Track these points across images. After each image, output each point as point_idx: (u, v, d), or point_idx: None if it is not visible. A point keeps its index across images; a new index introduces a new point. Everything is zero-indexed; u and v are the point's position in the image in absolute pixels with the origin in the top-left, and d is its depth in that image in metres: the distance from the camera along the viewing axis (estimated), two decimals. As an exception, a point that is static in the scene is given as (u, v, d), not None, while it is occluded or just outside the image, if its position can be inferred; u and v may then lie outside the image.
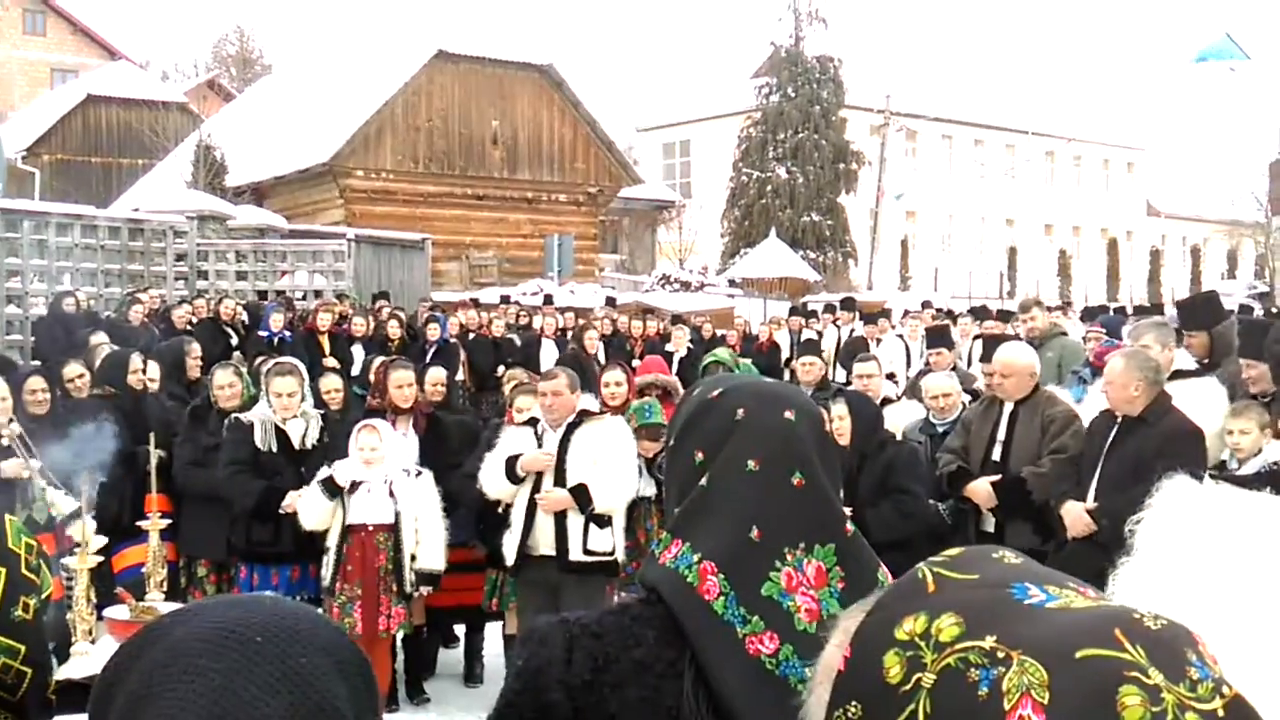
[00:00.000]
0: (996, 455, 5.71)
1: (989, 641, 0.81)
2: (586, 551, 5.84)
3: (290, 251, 18.52)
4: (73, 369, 7.47)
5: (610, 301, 19.28)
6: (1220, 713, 0.76)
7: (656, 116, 44.38)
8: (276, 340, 12.56)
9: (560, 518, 5.86)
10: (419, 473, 6.31)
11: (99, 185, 33.08)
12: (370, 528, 6.11)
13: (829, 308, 17.36)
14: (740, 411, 1.57)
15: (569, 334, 15.42)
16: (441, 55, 26.69)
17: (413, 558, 6.17)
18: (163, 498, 6.54)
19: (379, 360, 8.10)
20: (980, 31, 53.72)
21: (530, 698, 1.46)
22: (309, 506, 6.08)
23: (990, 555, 0.91)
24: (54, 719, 1.58)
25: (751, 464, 1.54)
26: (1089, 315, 14.50)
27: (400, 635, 6.36)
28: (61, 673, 1.58)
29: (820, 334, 15.81)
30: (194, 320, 13.06)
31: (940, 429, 6.27)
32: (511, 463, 5.89)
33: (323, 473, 6.09)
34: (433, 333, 13.43)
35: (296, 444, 6.51)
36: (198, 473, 6.66)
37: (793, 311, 17.80)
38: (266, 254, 18.25)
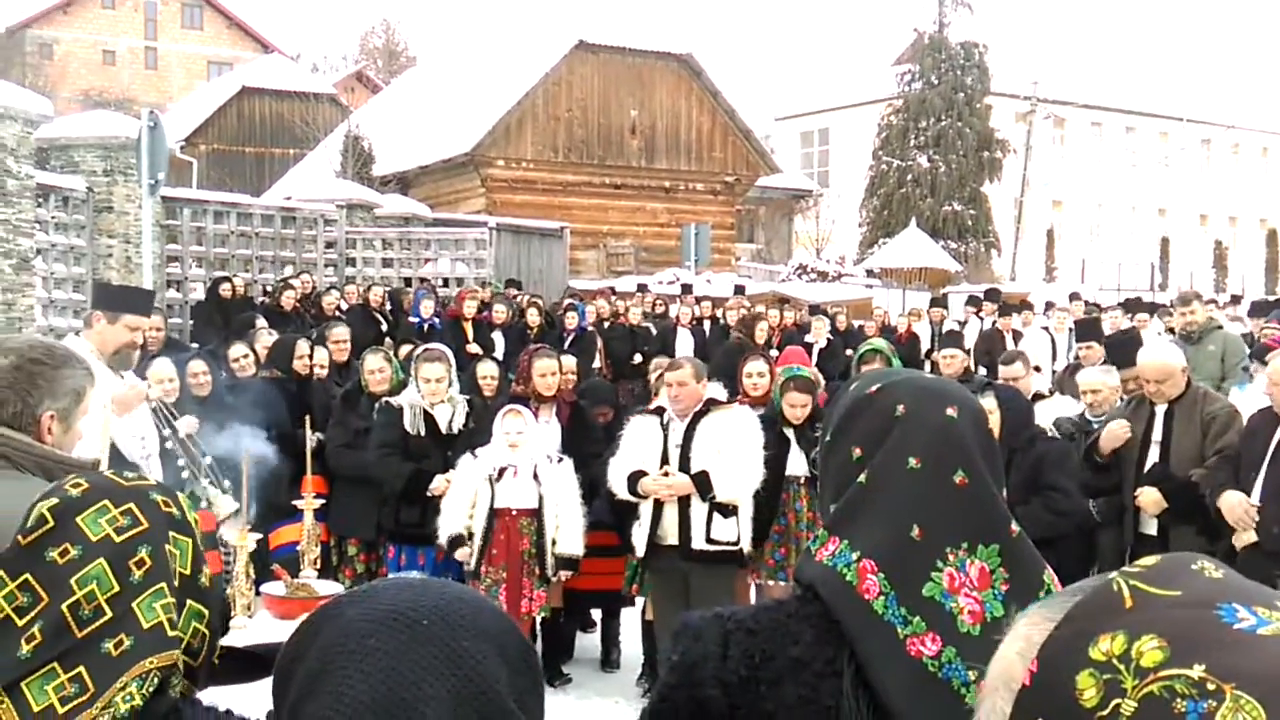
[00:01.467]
0: (1155, 456, 5.51)
1: (1198, 671, 0.74)
2: (709, 540, 5.83)
3: (434, 239, 18.92)
4: (238, 349, 7.80)
5: (740, 290, 19.15)
6: None
7: (795, 105, 43.97)
8: (426, 327, 12.86)
9: (685, 507, 5.87)
10: (560, 459, 6.40)
11: (253, 174, 34.34)
12: (515, 512, 6.22)
13: (971, 299, 16.97)
14: (900, 408, 1.55)
15: (704, 322, 15.42)
16: (582, 45, 26.91)
17: (553, 542, 6.26)
18: (319, 479, 6.79)
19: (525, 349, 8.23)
20: (1132, 14, 51.80)
21: (686, 693, 1.45)
22: (448, 511, 6.21)
23: (1190, 567, 0.84)
24: (209, 687, 1.67)
25: (913, 461, 1.51)
26: (1259, 310, 13.86)
27: (540, 618, 6.46)
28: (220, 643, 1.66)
29: (962, 325, 15.49)
30: (342, 306, 13.46)
31: (1095, 425, 6.08)
32: (634, 479, 5.93)
33: (444, 532, 6.21)
34: (571, 321, 13.57)
35: (444, 428, 6.66)
36: (349, 455, 6.86)
37: (933, 303, 17.45)
38: (411, 242, 18.68)
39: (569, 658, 7.17)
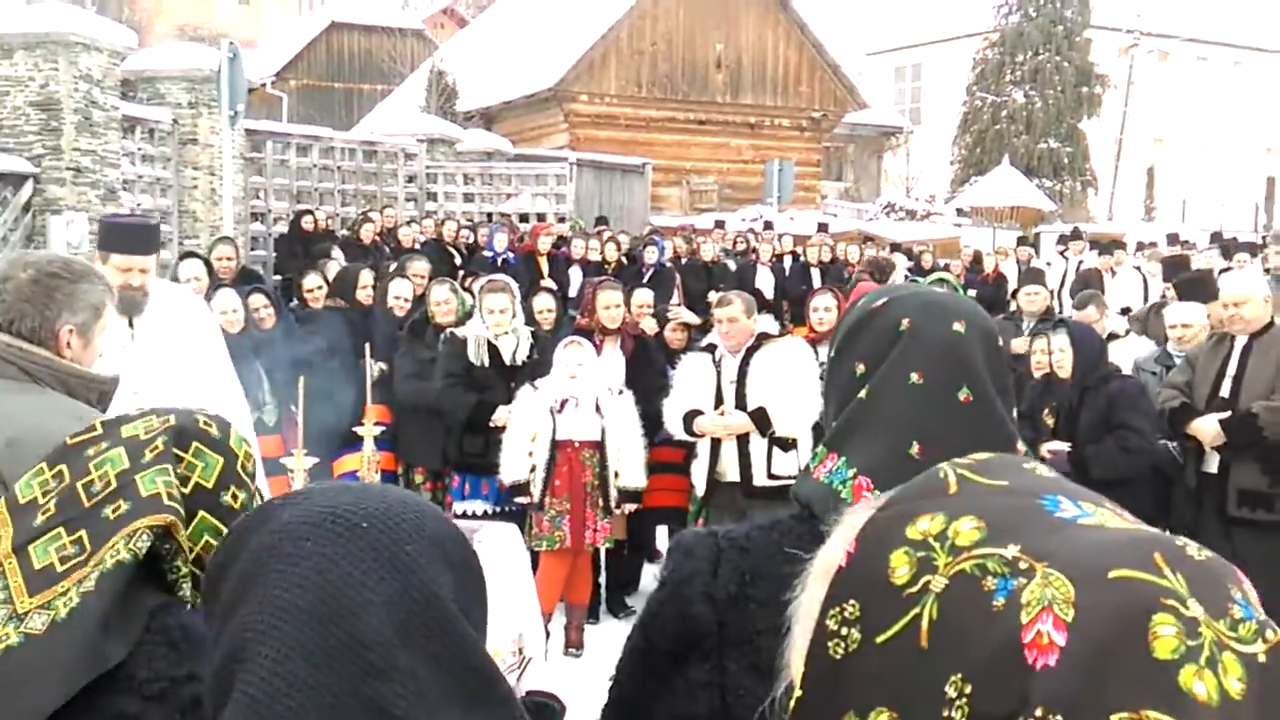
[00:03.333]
0: (1225, 391, 5.31)
1: (1012, 550, 0.74)
2: (771, 476, 5.79)
3: (514, 175, 18.91)
4: (311, 280, 7.88)
5: (823, 228, 18.89)
6: (1262, 657, 0.68)
7: (887, 40, 42.96)
8: (500, 261, 12.89)
9: (744, 443, 5.82)
10: (620, 391, 6.37)
11: (341, 110, 34.62)
12: (577, 444, 6.22)
13: (1060, 239, 16.54)
14: (905, 322, 1.47)
15: (784, 260, 15.23)
16: (667, -23, 26.57)
17: (615, 474, 6.26)
18: (383, 408, 6.84)
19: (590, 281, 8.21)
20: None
21: (674, 608, 1.43)
22: (509, 447, 6.19)
23: (1021, 465, 0.84)
24: None
25: (915, 377, 1.44)
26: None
27: (604, 549, 6.47)
28: None
29: (1049, 264, 15.10)
30: (420, 240, 13.53)
31: (1179, 361, 5.85)
32: (690, 418, 5.87)
33: (506, 472, 6.19)
34: (649, 257, 13.49)
35: (507, 359, 6.65)
36: (415, 385, 6.90)
37: (1020, 241, 17.03)
38: (492, 177, 18.69)
39: (634, 589, 7.18)
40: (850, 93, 29.44)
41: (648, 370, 6.91)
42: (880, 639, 0.77)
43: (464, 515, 6.34)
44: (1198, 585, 0.70)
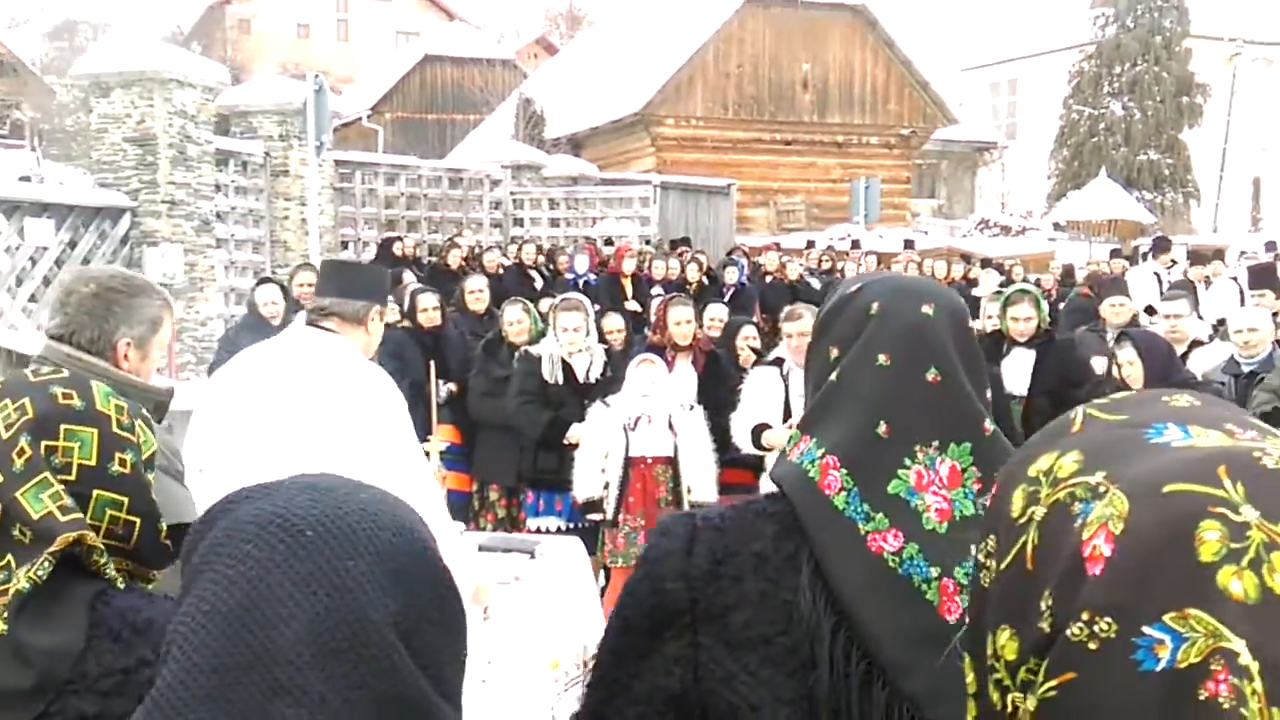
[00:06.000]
0: (1314, 398, 5.15)
1: (1097, 477, 0.80)
2: None
3: (599, 199, 19.07)
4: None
5: (909, 245, 18.71)
6: None
7: (982, 55, 42.43)
8: (582, 283, 13.00)
9: None
10: (692, 406, 6.38)
11: (435, 140, 35.27)
12: (650, 460, 6.23)
13: (1147, 252, 16.16)
14: (875, 305, 1.51)
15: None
16: (753, 0, 26.58)
17: (688, 490, 6.25)
18: (451, 428, 6.93)
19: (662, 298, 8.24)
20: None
21: (649, 585, 1.46)
22: (581, 464, 6.22)
23: (1160, 398, 0.87)
24: (175, 561, 1.70)
25: (883, 358, 1.47)
26: None
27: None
28: (169, 519, 1.69)
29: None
30: (505, 264, 13.71)
31: (1247, 369, 5.69)
32: (758, 432, 5.85)
33: (579, 490, 6.19)
34: (730, 276, 13.50)
35: (581, 377, 6.70)
36: (489, 403, 6.99)
37: (1113, 254, 16.66)
38: (577, 201, 18.89)
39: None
40: (940, 109, 29.14)
41: (720, 386, 6.90)
42: (1004, 566, 0.85)
43: (538, 531, 6.39)
44: (1258, 492, 0.74)
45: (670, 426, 6.24)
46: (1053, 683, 0.76)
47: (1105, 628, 0.74)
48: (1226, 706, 0.70)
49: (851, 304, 1.54)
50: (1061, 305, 13.96)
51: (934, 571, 1.38)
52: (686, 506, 6.22)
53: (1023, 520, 0.83)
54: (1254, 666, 0.70)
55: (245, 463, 3.02)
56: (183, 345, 11.62)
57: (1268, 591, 0.71)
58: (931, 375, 1.46)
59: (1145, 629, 0.73)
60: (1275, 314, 7.37)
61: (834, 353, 1.52)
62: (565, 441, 6.51)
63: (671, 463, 6.24)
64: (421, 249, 15.94)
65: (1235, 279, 13.23)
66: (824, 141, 27.74)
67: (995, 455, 1.44)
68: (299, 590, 0.94)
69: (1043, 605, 0.79)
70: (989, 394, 1.47)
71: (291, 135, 14.23)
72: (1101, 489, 0.79)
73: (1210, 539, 0.72)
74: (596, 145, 27.66)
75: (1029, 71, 40.35)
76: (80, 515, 1.52)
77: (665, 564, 1.44)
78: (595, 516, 6.26)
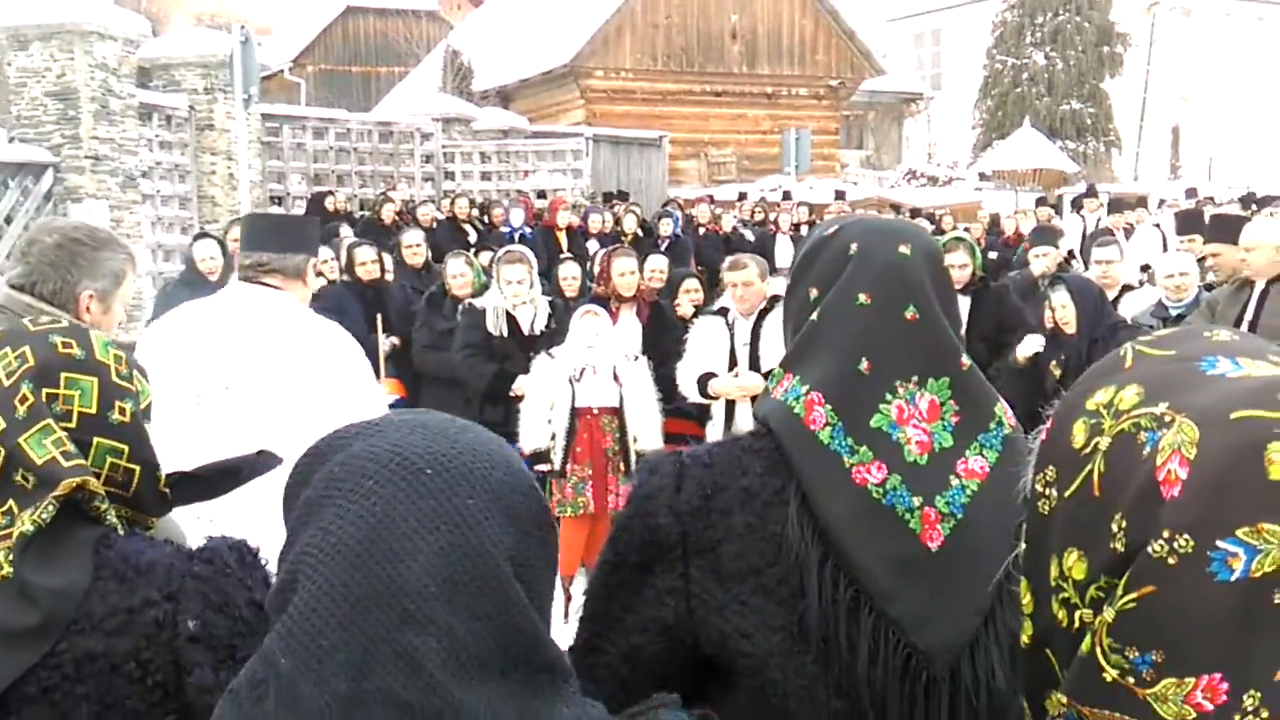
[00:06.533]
0: (1241, 334, 5.34)
1: (1161, 408, 0.86)
2: None
3: (531, 151, 18.96)
4: (324, 252, 7.94)
5: (840, 195, 18.87)
6: None
7: (906, 6, 42.61)
8: (518, 236, 12.95)
9: None
10: (636, 357, 6.43)
11: (359, 94, 34.67)
12: (596, 410, 6.26)
13: (1075, 200, 16.47)
14: (854, 246, 1.55)
15: (802, 229, 15.22)
16: (680, -51, 26.44)
17: (634, 439, 6.31)
18: (396, 381, 6.92)
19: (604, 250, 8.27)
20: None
21: (640, 522, 1.50)
22: (528, 416, 6.25)
23: (1201, 334, 0.94)
24: (173, 509, 1.71)
25: (863, 297, 1.52)
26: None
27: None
28: (168, 467, 1.71)
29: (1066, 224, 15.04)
30: (439, 218, 13.61)
31: (1175, 312, 5.88)
32: (704, 381, 5.91)
33: (525, 441, 6.17)
34: (665, 229, 13.53)
35: (526, 329, 6.72)
36: (434, 355, 6.99)
37: (1039, 202, 16.94)
38: (509, 154, 18.76)
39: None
40: (867, 59, 29.25)
41: (664, 336, 6.95)
42: (1068, 493, 0.90)
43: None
44: None
45: (615, 377, 6.28)
46: (1133, 595, 0.82)
47: (1184, 544, 0.80)
48: None
49: (830, 245, 1.58)
50: (991, 255, 14.21)
51: (916, 501, 1.43)
52: (633, 456, 6.29)
53: (1087, 450, 0.89)
54: None
55: (216, 427, 2.97)
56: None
57: None
58: (910, 313, 1.51)
59: (1220, 543, 0.78)
60: (1201, 259, 7.60)
61: (814, 293, 1.56)
62: (511, 393, 6.53)
63: (617, 413, 6.28)
64: (353, 204, 15.76)
65: (1158, 225, 13.54)
66: (753, 93, 27.74)
67: (972, 389, 1.50)
68: (423, 526, 0.97)
69: (1114, 527, 0.85)
70: (962, 331, 1.54)
71: (216, 88, 13.94)
72: (1167, 418, 0.84)
73: (1279, 459, 0.78)
74: (526, 98, 27.40)
75: (952, 22, 40.59)
76: (83, 461, 1.53)
77: (655, 500, 1.49)
78: (543, 467, 6.30)
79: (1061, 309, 5.53)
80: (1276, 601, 0.77)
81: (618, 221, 13.91)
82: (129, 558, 1.51)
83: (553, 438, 6.25)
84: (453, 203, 14.39)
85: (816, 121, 27.14)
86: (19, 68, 11.64)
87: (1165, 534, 0.81)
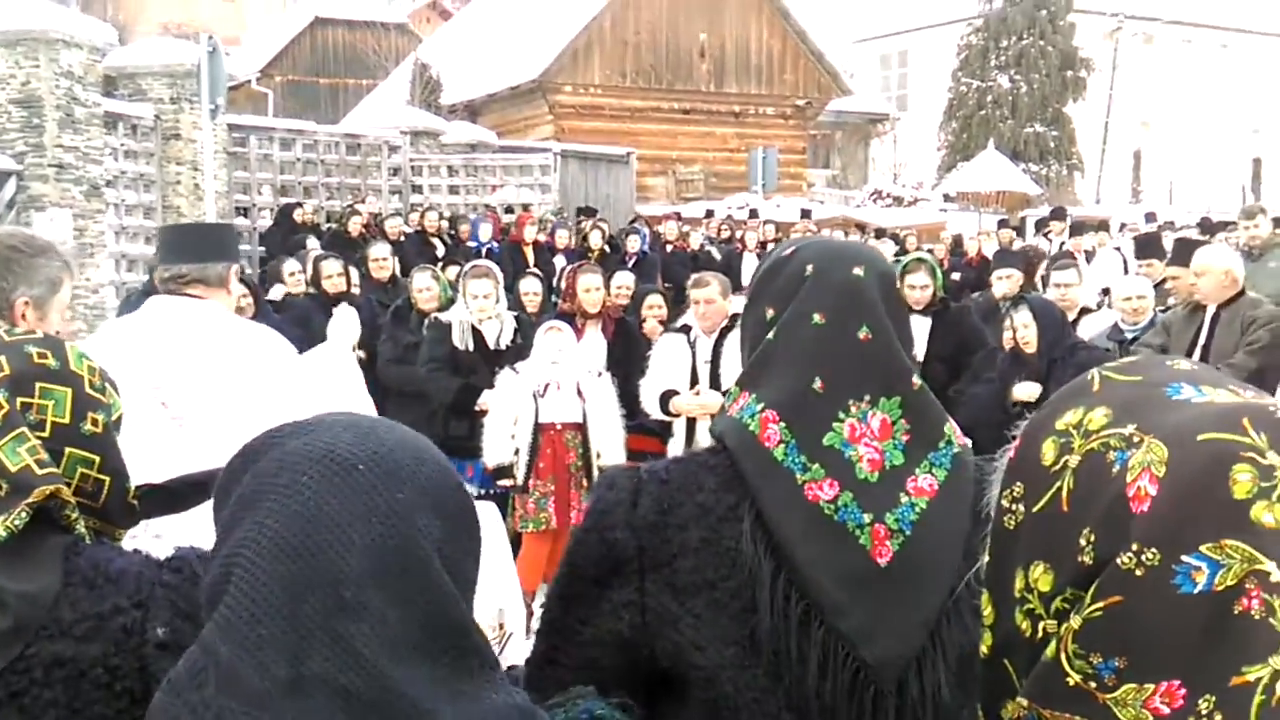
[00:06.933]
0: (1195, 357, 5.45)
1: (1130, 429, 0.91)
2: None
3: (499, 166, 18.97)
4: (290, 265, 7.94)
5: (805, 214, 19.02)
6: None
7: (874, 27, 42.99)
8: (484, 251, 12.96)
9: None
10: (600, 373, 6.45)
11: (327, 105, 34.55)
12: (559, 426, 6.28)
13: (1039, 222, 16.66)
14: (809, 267, 1.59)
15: (769, 247, 15.31)
16: (650, -33, 26.58)
17: (597, 455, 6.32)
18: (361, 393, 6.90)
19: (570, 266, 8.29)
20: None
21: (597, 535, 1.53)
22: (491, 431, 6.26)
23: (1163, 362, 0.99)
24: (140, 522, 1.72)
25: (817, 317, 1.56)
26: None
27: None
28: (138, 479, 1.72)
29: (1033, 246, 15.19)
30: (407, 232, 13.60)
31: (1130, 335, 5.99)
32: (666, 399, 5.95)
33: (489, 456, 6.20)
34: (632, 245, 13.58)
35: (491, 344, 6.72)
36: (399, 369, 6.98)
37: (1001, 224, 17.14)
38: (477, 169, 18.75)
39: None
40: (834, 79, 29.51)
41: (629, 353, 6.98)
42: (1036, 509, 0.95)
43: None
44: (1278, 440, 0.86)
45: (579, 393, 6.30)
46: (1100, 604, 0.87)
47: (1151, 557, 0.85)
48: (1258, 617, 0.82)
49: (787, 266, 1.62)
50: (955, 275, 14.35)
51: (866, 518, 1.47)
52: (596, 472, 6.30)
53: (1056, 468, 0.93)
54: None
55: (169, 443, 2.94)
56: (74, 312, 11.31)
57: None
58: (863, 333, 1.54)
59: (1185, 557, 0.84)
60: (1158, 283, 7.72)
61: (770, 312, 1.60)
62: (476, 408, 6.53)
63: (581, 429, 6.29)
64: (320, 216, 15.71)
65: (1118, 249, 13.72)
66: (721, 111, 27.89)
67: (923, 408, 1.54)
68: (356, 519, 1.01)
69: (1082, 541, 0.90)
70: (914, 351, 1.58)
71: (183, 98, 13.87)
72: (1136, 439, 0.89)
73: (1243, 479, 0.84)
74: (494, 112, 27.42)
75: (919, 44, 41.01)
76: (56, 470, 1.55)
77: (612, 515, 1.52)
78: (506, 482, 6.31)
79: (1024, 328, 5.61)
80: (1235, 613, 0.83)
81: (584, 237, 13.95)
82: (99, 565, 1.52)
83: (516, 453, 6.26)
84: (422, 216, 14.39)
85: (784, 140, 27.33)
86: (-18, 74, 11.58)
87: (1134, 547, 0.86)
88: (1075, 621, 0.89)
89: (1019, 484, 0.97)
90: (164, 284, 3.29)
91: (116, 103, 13.43)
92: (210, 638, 1.01)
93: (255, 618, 0.99)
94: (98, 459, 1.62)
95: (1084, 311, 6.90)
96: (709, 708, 1.46)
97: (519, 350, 6.62)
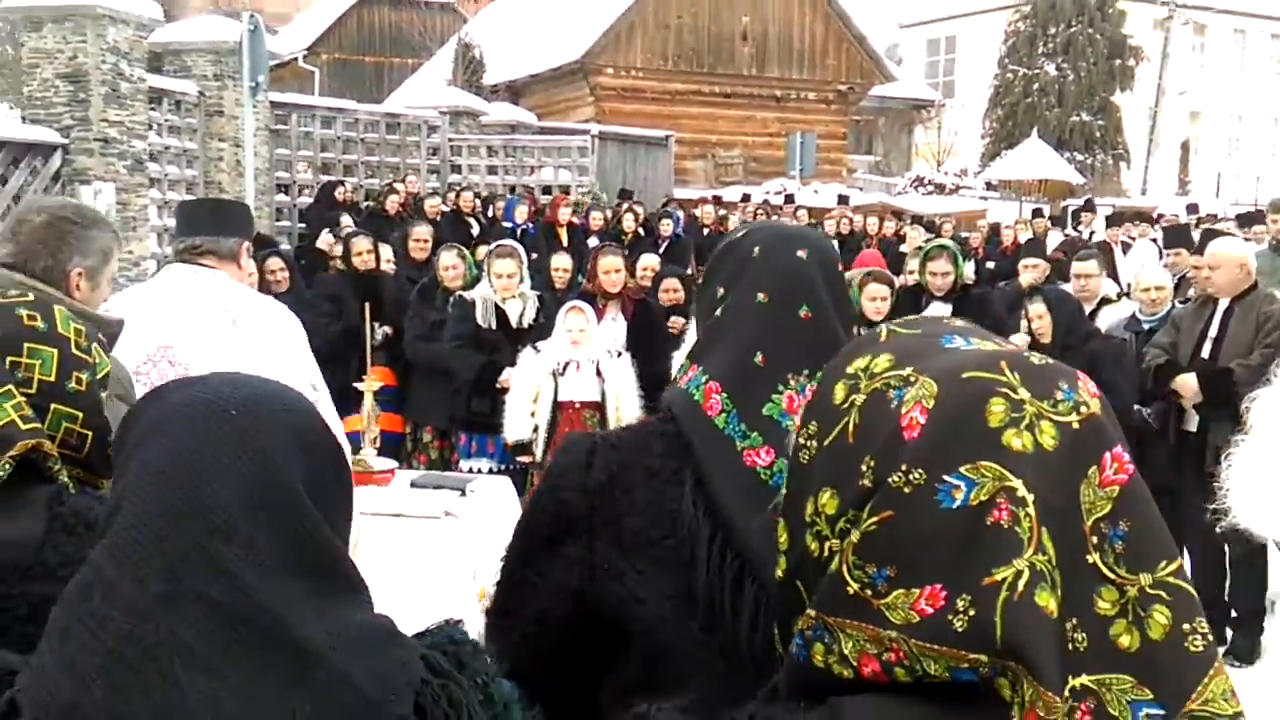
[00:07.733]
0: (1206, 353, 5.47)
1: (908, 370, 1.03)
2: None
3: (538, 147, 19.07)
4: (325, 239, 8.10)
5: (843, 200, 18.96)
6: (1075, 425, 0.98)
7: (921, 12, 42.62)
8: (519, 232, 13.08)
9: None
10: (619, 354, 6.55)
11: (372, 84, 34.78)
12: (578, 405, 6.39)
13: (1074, 213, 16.56)
14: (757, 249, 1.70)
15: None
16: (693, -50, 26.54)
17: (616, 434, 6.42)
18: (387, 370, 7.06)
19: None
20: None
21: (552, 496, 1.65)
22: (512, 408, 6.37)
23: (942, 320, 1.14)
24: None
25: (761, 296, 1.66)
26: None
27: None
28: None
29: (1066, 235, 15.12)
30: (444, 210, 13.74)
31: (1147, 325, 6.01)
32: None
33: (509, 433, 6.32)
34: (665, 228, 13.65)
35: (514, 322, 6.84)
36: (424, 346, 7.11)
37: (1036, 214, 17.04)
38: (516, 149, 18.86)
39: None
40: (877, 65, 29.33)
41: (649, 334, 7.07)
42: (826, 442, 1.07)
43: (470, 472, 6.54)
44: (1030, 380, 0.99)
45: (598, 372, 6.41)
46: (874, 519, 0.99)
47: (918, 477, 0.97)
48: (1006, 526, 0.94)
49: (737, 248, 1.73)
50: (989, 264, 14.32)
51: None
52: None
53: (845, 406, 1.06)
54: (1030, 497, 0.95)
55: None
56: (116, 285, 11.54)
57: (1039, 446, 0.96)
58: (804, 312, 1.65)
59: (946, 477, 0.96)
60: (1183, 275, 7.70)
61: (720, 291, 1.72)
62: (498, 385, 6.66)
63: (599, 407, 6.40)
64: (359, 194, 15.91)
65: (1155, 240, 13.62)
66: (762, 95, 27.83)
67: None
68: (228, 457, 1.16)
69: (863, 468, 1.01)
70: (855, 330, 1.68)
71: (226, 75, 14.07)
72: (912, 378, 1.02)
73: (996, 410, 0.97)
74: (535, 93, 27.52)
75: (966, 30, 40.61)
76: (39, 425, 1.67)
77: (566, 477, 1.63)
78: (525, 459, 6.43)
79: (1038, 319, 5.69)
80: (987, 524, 0.94)
81: (619, 220, 14.04)
82: (80, 512, 1.64)
83: (535, 430, 6.38)
84: (458, 196, 14.52)
85: (825, 126, 27.24)
86: (32, 49, 11.80)
87: (903, 468, 0.98)
88: (855, 536, 1.00)
89: (814, 423, 1.09)
90: (179, 254, 3.48)
91: (161, 79, 13.65)
92: (98, 557, 1.15)
93: (136, 540, 1.13)
94: (81, 415, 1.75)
95: (1104, 301, 6.93)
96: (649, 656, 1.56)
97: (541, 329, 6.73)
